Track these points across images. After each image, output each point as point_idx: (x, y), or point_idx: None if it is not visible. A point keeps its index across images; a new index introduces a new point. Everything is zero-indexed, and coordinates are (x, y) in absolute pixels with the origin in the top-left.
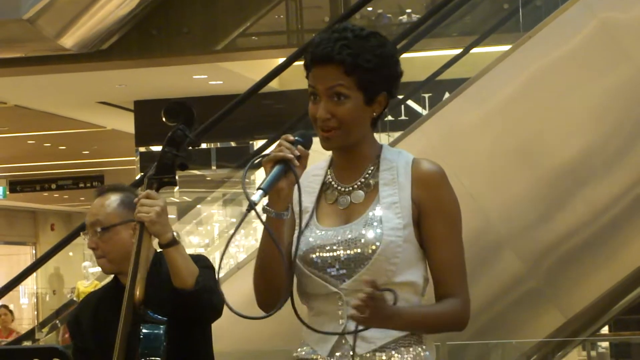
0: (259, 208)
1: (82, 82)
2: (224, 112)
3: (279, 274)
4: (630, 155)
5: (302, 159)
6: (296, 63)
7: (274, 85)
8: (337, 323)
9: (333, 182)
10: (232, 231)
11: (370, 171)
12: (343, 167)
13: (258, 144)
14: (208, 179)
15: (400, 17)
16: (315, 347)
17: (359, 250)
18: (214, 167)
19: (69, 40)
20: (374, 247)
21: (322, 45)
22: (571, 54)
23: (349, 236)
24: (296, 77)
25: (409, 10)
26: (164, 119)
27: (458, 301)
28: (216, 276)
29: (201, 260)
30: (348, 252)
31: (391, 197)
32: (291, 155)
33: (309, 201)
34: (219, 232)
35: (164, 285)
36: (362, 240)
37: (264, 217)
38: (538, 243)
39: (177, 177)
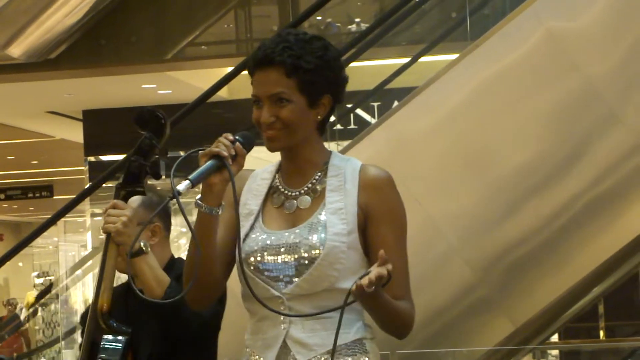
0: (184, 200)
1: (31, 91)
2: (172, 121)
3: (209, 269)
4: (579, 164)
5: (239, 157)
6: (245, 72)
7: (223, 94)
8: (280, 328)
9: (280, 187)
10: (151, 216)
11: (317, 177)
12: (291, 172)
13: None
14: (158, 188)
15: (349, 26)
16: (260, 354)
17: (302, 255)
18: (163, 177)
19: (17, 50)
20: (317, 251)
21: (263, 49)
22: (518, 62)
23: (293, 240)
24: (245, 86)
25: (357, 20)
26: (135, 127)
27: (409, 304)
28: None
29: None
30: (291, 256)
31: (337, 203)
32: (225, 153)
33: (255, 204)
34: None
35: None
36: (306, 245)
37: (202, 209)
38: (487, 251)
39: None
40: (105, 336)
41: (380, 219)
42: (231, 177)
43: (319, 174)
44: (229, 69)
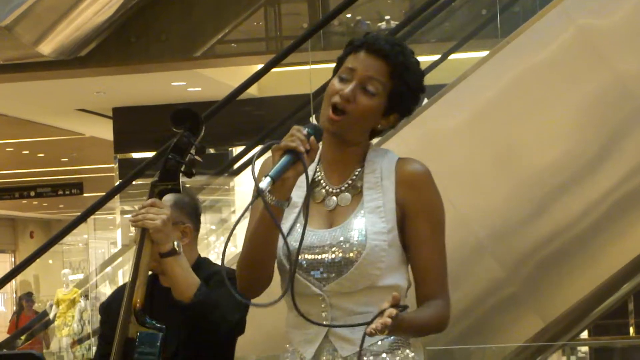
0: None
1: (61, 89)
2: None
3: (268, 264)
4: (608, 161)
5: (312, 152)
6: (274, 69)
7: (253, 91)
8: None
9: (322, 181)
10: (238, 216)
11: (357, 173)
12: (331, 164)
13: (237, 150)
14: (187, 185)
15: (379, 24)
16: (300, 348)
17: (343, 255)
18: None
19: (47, 47)
20: (359, 251)
21: (381, 41)
22: (549, 60)
23: (334, 240)
24: (275, 84)
25: (387, 17)
26: (172, 124)
27: (441, 302)
28: (235, 291)
29: (233, 277)
30: (333, 256)
31: (375, 202)
32: (302, 149)
33: (297, 195)
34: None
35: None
36: (347, 245)
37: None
38: (517, 248)
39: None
40: (142, 331)
41: (417, 214)
42: (306, 173)
43: (358, 170)
44: (259, 67)
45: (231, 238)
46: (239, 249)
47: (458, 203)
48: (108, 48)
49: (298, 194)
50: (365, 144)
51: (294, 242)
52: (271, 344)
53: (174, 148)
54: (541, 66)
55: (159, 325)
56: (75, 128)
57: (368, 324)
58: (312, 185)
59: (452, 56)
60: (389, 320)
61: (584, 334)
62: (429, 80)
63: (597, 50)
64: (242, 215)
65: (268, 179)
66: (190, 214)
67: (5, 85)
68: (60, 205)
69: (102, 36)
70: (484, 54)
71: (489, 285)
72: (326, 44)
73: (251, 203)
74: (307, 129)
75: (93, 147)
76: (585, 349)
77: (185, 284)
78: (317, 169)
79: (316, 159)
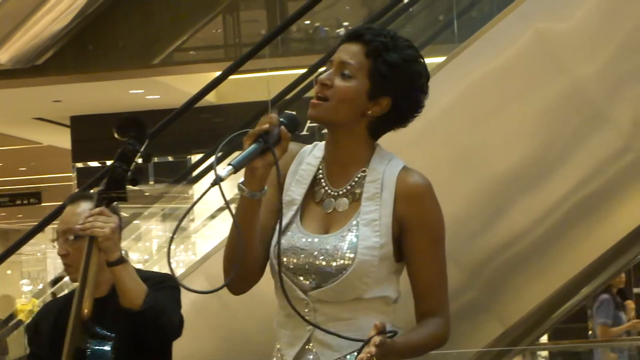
0: (224, 185)
1: (18, 98)
2: (160, 126)
3: (248, 254)
4: (567, 165)
5: (283, 141)
6: (233, 76)
7: (211, 99)
8: (304, 329)
9: (323, 181)
10: (189, 207)
11: (357, 178)
12: (334, 164)
13: (195, 158)
14: (146, 194)
15: (338, 30)
16: (284, 347)
17: (331, 264)
18: (151, 182)
19: (4, 56)
20: (346, 264)
21: (361, 27)
22: (507, 64)
23: (325, 248)
24: (233, 91)
25: (346, 23)
26: (115, 134)
27: (441, 321)
28: (179, 297)
29: (167, 280)
30: (320, 264)
31: (372, 214)
32: (266, 126)
33: (297, 193)
34: (157, 248)
35: None
36: (336, 256)
37: (235, 196)
38: (476, 253)
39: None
40: (91, 342)
41: (416, 229)
42: (275, 161)
43: (359, 175)
44: (217, 74)
45: (190, 247)
46: (199, 257)
47: None
48: (65, 56)
49: (298, 190)
50: (366, 144)
51: (286, 242)
52: (229, 350)
53: (120, 156)
54: (499, 71)
55: (108, 333)
56: (33, 137)
57: (359, 349)
58: (313, 183)
59: None
60: (373, 350)
61: (544, 338)
62: None
63: (554, 54)
64: (192, 207)
65: (229, 167)
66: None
67: None
68: (19, 215)
69: (59, 44)
70: (441, 59)
71: (449, 291)
72: (284, 51)
73: (206, 191)
74: (280, 118)
75: (51, 156)
76: (545, 353)
77: (134, 291)
78: (320, 167)
79: (320, 154)
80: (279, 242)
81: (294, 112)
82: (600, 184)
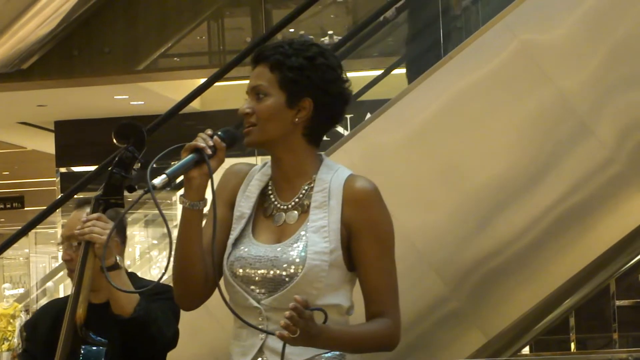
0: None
1: (2, 102)
2: (145, 132)
3: (192, 266)
4: (551, 176)
5: (219, 151)
6: (218, 84)
7: (196, 105)
8: (257, 338)
9: (272, 196)
10: (124, 211)
11: (304, 190)
12: (280, 180)
13: None
14: (129, 199)
15: (322, 39)
16: (236, 358)
17: (282, 272)
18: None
19: None
20: (297, 269)
21: (260, 47)
22: (491, 75)
23: (275, 256)
24: (218, 98)
25: (330, 32)
26: (113, 140)
27: (388, 321)
28: (177, 310)
29: (166, 292)
30: (272, 272)
31: (320, 221)
32: (203, 144)
33: (247, 207)
34: (140, 253)
35: None
36: (287, 262)
37: (182, 206)
38: (459, 264)
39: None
40: (84, 348)
41: (363, 234)
42: (209, 170)
43: (306, 187)
44: (202, 81)
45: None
46: None
47: (400, 217)
48: (50, 61)
49: (247, 205)
50: (309, 155)
51: (239, 253)
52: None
53: (118, 162)
54: (484, 82)
55: (102, 340)
56: (17, 141)
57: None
58: (263, 199)
59: (395, 71)
60: (287, 313)
61: (526, 350)
62: (372, 95)
63: (539, 65)
64: (129, 209)
65: (163, 176)
66: (118, 229)
67: None
68: (1, 219)
69: (44, 49)
70: (426, 69)
71: (431, 301)
72: None
73: (139, 198)
74: (217, 132)
75: (35, 160)
76: None
77: (126, 298)
78: (270, 184)
79: (268, 174)
80: (213, 246)
81: (231, 127)
82: (585, 195)
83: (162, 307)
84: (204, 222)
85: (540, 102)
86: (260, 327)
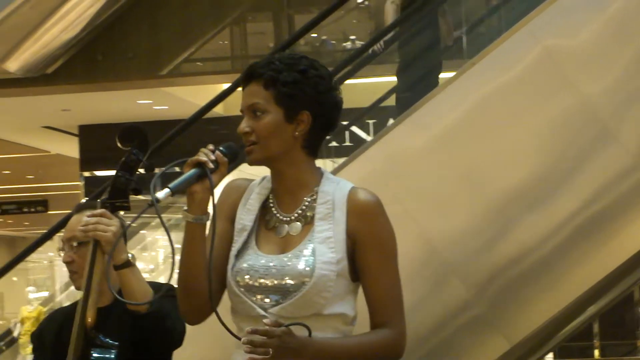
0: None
1: (27, 106)
2: (168, 137)
3: (196, 279)
4: (574, 182)
5: (221, 166)
6: (240, 89)
7: (219, 110)
8: None
9: (274, 208)
10: (129, 223)
11: (307, 202)
12: (282, 193)
13: None
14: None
15: (345, 44)
16: None
17: (289, 282)
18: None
19: (14, 64)
20: (305, 280)
21: (250, 66)
22: (515, 80)
23: (282, 266)
24: (240, 103)
25: (353, 37)
26: (118, 144)
27: (389, 331)
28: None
29: (168, 290)
30: (277, 281)
31: (326, 232)
32: (205, 159)
33: (248, 220)
34: (163, 258)
35: None
36: (295, 272)
37: (186, 216)
38: (483, 269)
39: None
40: (95, 351)
41: (366, 245)
42: (210, 184)
43: (309, 199)
44: (225, 85)
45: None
46: None
47: (423, 222)
48: (75, 66)
49: (248, 217)
50: (309, 167)
51: (244, 264)
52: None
53: (123, 165)
54: (507, 87)
55: (112, 342)
56: (41, 145)
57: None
58: (264, 211)
59: None
60: (247, 338)
61: (550, 356)
62: (394, 100)
63: (562, 71)
64: (133, 221)
65: (166, 190)
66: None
67: None
68: (25, 223)
69: (68, 54)
70: (450, 74)
71: (454, 307)
72: None
73: (143, 211)
74: (219, 147)
75: (59, 164)
76: None
77: (141, 294)
78: (270, 197)
79: (270, 185)
80: (210, 257)
81: (232, 142)
82: (607, 202)
83: (172, 302)
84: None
85: (563, 107)
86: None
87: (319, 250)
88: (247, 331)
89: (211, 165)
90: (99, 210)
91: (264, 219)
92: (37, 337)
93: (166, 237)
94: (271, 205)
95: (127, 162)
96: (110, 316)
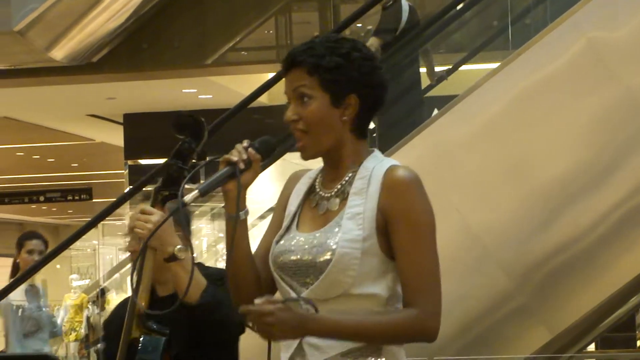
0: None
1: (72, 94)
2: (213, 126)
3: (242, 273)
4: (617, 173)
5: (254, 163)
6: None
7: (263, 100)
8: None
9: (317, 187)
10: (158, 227)
11: (348, 178)
12: (328, 173)
13: None
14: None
15: None
16: (282, 350)
17: (318, 259)
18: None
19: (60, 53)
20: (327, 257)
21: (290, 52)
22: (559, 72)
23: (314, 243)
24: (284, 90)
25: None
26: (174, 131)
27: (415, 311)
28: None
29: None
30: (309, 260)
31: (357, 208)
32: (235, 158)
33: (295, 204)
34: (207, 246)
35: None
36: (324, 249)
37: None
38: (525, 260)
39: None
40: (144, 337)
41: (398, 223)
42: (238, 185)
43: (350, 175)
44: (270, 75)
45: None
46: None
47: (467, 213)
48: (120, 54)
49: (295, 202)
50: (353, 146)
51: (280, 246)
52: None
53: (176, 154)
54: (551, 78)
55: (162, 329)
56: (86, 133)
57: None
58: (309, 190)
59: (463, 67)
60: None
61: (591, 347)
62: (439, 91)
63: (606, 63)
64: (162, 224)
65: (194, 192)
66: (183, 225)
67: (17, 90)
68: (69, 211)
69: (114, 42)
70: (494, 65)
71: (497, 297)
72: None
73: (170, 215)
74: (253, 143)
75: (103, 152)
76: None
77: (192, 285)
78: (319, 177)
79: (319, 170)
80: (230, 251)
81: (268, 137)
82: None
83: (227, 291)
84: (259, 229)
85: (607, 99)
86: None
87: (345, 227)
88: (240, 311)
89: (242, 166)
90: (138, 207)
91: (309, 198)
92: (108, 326)
93: (209, 226)
94: (316, 184)
95: (180, 150)
96: (170, 306)
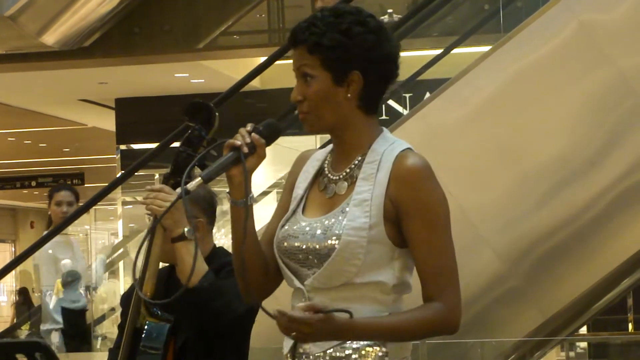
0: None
1: (64, 79)
2: None
3: (248, 260)
4: (610, 156)
5: (258, 147)
6: (278, 62)
7: (256, 84)
8: None
9: (326, 169)
10: (163, 212)
11: (357, 161)
12: (338, 154)
13: None
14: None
15: (382, 17)
16: (284, 341)
17: (322, 245)
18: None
19: (51, 38)
20: (331, 245)
21: (292, 30)
22: (551, 55)
23: (319, 229)
24: (277, 76)
25: (390, 10)
26: (185, 117)
27: (440, 305)
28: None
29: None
30: (313, 246)
31: (364, 194)
32: (240, 142)
33: (302, 187)
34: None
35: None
36: (326, 237)
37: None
38: (518, 243)
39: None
40: (149, 323)
41: (412, 214)
42: (244, 169)
43: (359, 158)
44: (262, 59)
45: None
46: None
47: (459, 196)
48: (111, 39)
49: (303, 185)
50: (362, 125)
51: (284, 231)
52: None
53: (186, 141)
54: (543, 61)
55: (167, 316)
56: (78, 118)
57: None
58: (318, 173)
59: (455, 50)
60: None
61: (583, 330)
62: (431, 74)
63: (599, 45)
64: (164, 213)
65: (197, 179)
66: (205, 209)
67: (9, 75)
68: None
69: (105, 27)
70: (486, 48)
71: (489, 279)
72: None
73: (173, 204)
74: (258, 126)
75: (95, 137)
76: (584, 344)
77: (192, 269)
78: (328, 158)
79: (329, 151)
80: (242, 254)
81: (272, 120)
82: None
83: (231, 282)
84: (263, 216)
85: (599, 82)
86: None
87: (351, 214)
88: (282, 318)
89: (246, 150)
90: (158, 186)
91: (317, 181)
92: (124, 301)
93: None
94: (325, 166)
95: (190, 137)
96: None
